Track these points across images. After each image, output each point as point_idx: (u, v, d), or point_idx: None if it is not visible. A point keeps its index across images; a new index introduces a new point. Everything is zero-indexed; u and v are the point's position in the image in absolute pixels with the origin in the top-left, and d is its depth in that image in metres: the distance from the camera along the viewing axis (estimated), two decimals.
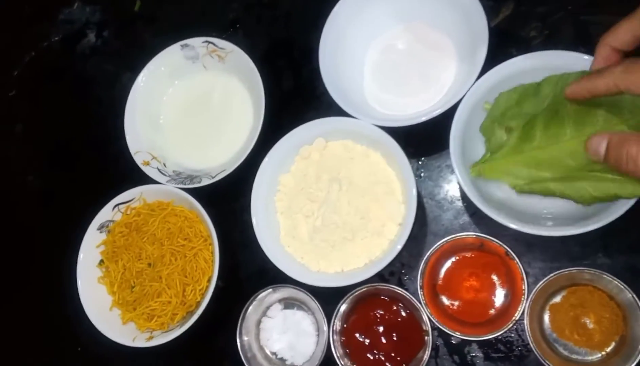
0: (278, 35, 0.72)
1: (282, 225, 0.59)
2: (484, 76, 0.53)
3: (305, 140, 0.60)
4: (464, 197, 0.60)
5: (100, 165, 0.73)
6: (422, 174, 0.62)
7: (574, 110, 0.47)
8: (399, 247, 0.53)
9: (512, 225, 0.50)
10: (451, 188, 0.60)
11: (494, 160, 0.51)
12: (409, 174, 0.54)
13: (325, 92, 0.67)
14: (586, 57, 0.50)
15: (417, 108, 0.60)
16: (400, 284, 0.60)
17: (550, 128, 0.48)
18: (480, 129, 0.54)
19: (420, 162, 0.62)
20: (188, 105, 0.69)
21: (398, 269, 0.60)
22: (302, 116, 0.68)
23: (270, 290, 0.59)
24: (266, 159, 0.59)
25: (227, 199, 0.66)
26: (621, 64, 0.42)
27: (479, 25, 0.54)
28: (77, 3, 0.83)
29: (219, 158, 0.66)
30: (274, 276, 0.61)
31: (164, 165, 0.66)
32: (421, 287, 0.55)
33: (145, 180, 0.66)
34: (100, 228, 0.65)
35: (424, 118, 0.54)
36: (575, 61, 0.50)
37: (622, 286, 0.51)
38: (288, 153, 0.60)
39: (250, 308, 0.60)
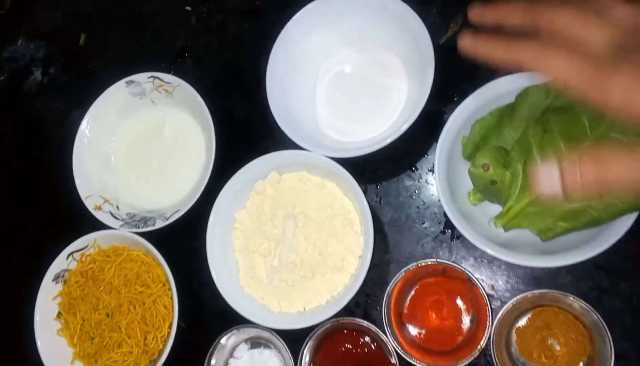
0: (228, 62, 0.70)
1: (240, 265, 0.57)
2: (461, 104, 0.51)
3: (259, 175, 0.58)
4: (425, 220, 0.58)
5: (52, 210, 0.71)
6: (381, 200, 0.60)
7: (558, 122, 0.45)
8: (360, 281, 0.52)
9: (502, 256, 0.48)
10: (411, 212, 0.59)
11: (512, 211, 0.48)
12: (364, 205, 0.53)
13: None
14: None
15: (372, 133, 0.58)
16: (367, 315, 0.58)
17: (545, 150, 0.45)
18: (465, 155, 0.52)
19: (378, 187, 0.60)
20: (138, 143, 0.67)
21: (363, 300, 0.58)
22: (257, 145, 0.66)
23: (234, 331, 0.57)
24: (220, 196, 0.57)
25: (184, 238, 0.64)
26: None
27: (426, 46, 0.53)
28: (21, 40, 0.80)
29: (173, 196, 0.64)
30: (238, 316, 0.60)
31: (117, 207, 0.64)
32: (386, 318, 0.54)
33: (99, 224, 0.64)
34: (56, 278, 0.63)
35: (377, 147, 0.53)
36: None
37: (586, 307, 0.50)
38: (243, 189, 0.58)
39: (216, 351, 0.59)
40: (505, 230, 0.49)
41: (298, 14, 0.59)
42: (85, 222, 0.65)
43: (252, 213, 0.58)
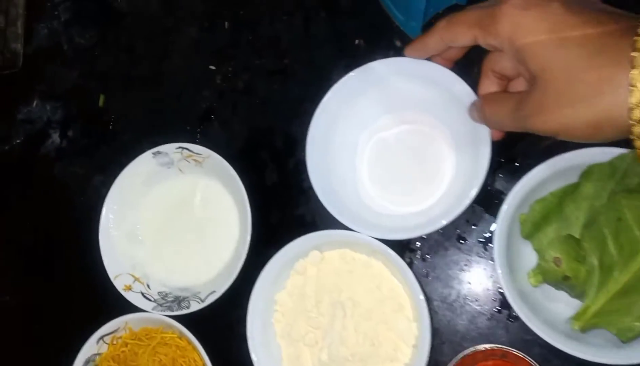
0: (256, 124, 0.67)
1: (284, 352, 0.54)
2: (522, 180, 0.49)
3: (300, 254, 0.55)
4: (478, 297, 0.55)
5: (77, 288, 0.67)
6: (429, 274, 0.57)
7: (632, 207, 0.42)
8: None
9: (571, 351, 0.45)
10: (462, 288, 0.56)
11: (590, 311, 0.45)
12: (417, 291, 0.50)
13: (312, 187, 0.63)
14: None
15: (418, 206, 0.55)
16: None
17: (621, 241, 0.43)
18: (523, 235, 0.49)
19: (425, 260, 0.57)
20: (167, 214, 0.64)
21: None
22: (292, 213, 0.63)
23: None
24: (260, 280, 0.54)
25: (219, 319, 0.60)
26: (444, 19, 0.46)
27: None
28: (36, 100, 0.77)
29: (206, 272, 0.61)
30: None
31: (148, 286, 0.61)
32: None
33: (130, 304, 0.60)
34: (86, 363, 0.59)
35: (429, 229, 0.50)
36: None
37: None
38: (282, 268, 0.55)
39: None
40: (583, 332, 0.45)
41: (339, 83, 0.56)
42: (115, 303, 0.61)
43: (294, 295, 0.54)
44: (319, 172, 0.55)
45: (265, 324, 0.54)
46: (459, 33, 0.44)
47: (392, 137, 0.58)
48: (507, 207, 0.48)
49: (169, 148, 0.62)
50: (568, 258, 0.44)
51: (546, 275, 0.45)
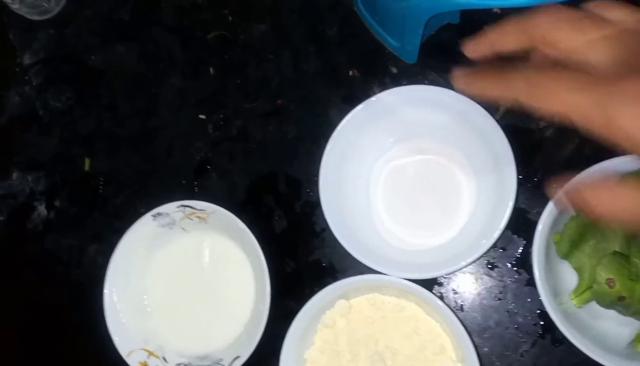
0: (257, 170, 0.64)
1: None
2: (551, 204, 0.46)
3: (326, 305, 0.52)
4: (517, 325, 0.52)
5: None
6: (463, 307, 0.54)
7: None
8: None
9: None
10: (500, 317, 0.53)
11: None
12: (460, 330, 0.47)
13: (327, 228, 0.60)
14: None
15: (440, 238, 0.53)
16: None
17: None
18: (560, 254, 0.47)
19: (457, 293, 0.55)
20: (175, 280, 0.60)
21: None
22: (306, 259, 0.60)
23: None
24: (287, 340, 0.50)
25: None
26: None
27: (498, 144, 0.48)
28: (16, 173, 0.72)
29: (225, 336, 0.57)
30: None
31: (164, 359, 0.56)
32: None
33: None
34: None
35: (463, 264, 0.47)
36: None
37: None
38: (309, 323, 0.52)
39: None
40: None
41: (347, 118, 0.53)
42: None
43: (325, 351, 0.51)
44: (335, 213, 0.52)
45: None
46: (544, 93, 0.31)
47: (406, 167, 0.55)
48: (542, 227, 0.46)
49: (170, 208, 0.58)
50: (621, 278, 0.41)
51: (599, 297, 0.43)
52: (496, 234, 0.48)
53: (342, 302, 0.51)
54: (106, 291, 0.57)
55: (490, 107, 0.56)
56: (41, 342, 0.65)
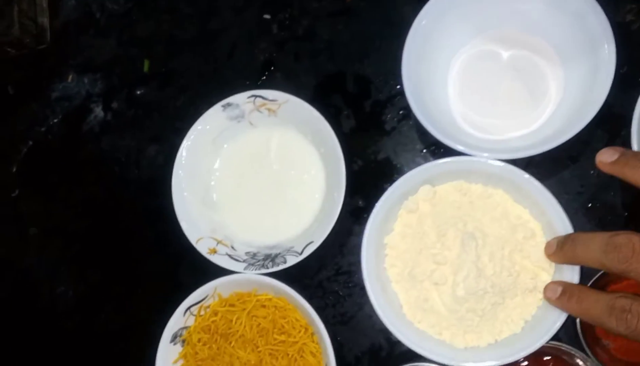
0: (324, 71, 0.62)
1: (402, 297, 0.49)
2: None
3: (409, 192, 0.51)
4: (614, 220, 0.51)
5: (157, 261, 0.62)
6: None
7: None
8: None
9: None
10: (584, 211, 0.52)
11: None
12: (556, 209, 0.46)
13: (396, 127, 0.59)
14: None
15: (521, 130, 0.52)
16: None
17: None
18: None
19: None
20: (242, 172, 0.59)
21: None
22: (374, 157, 0.59)
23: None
24: (370, 223, 0.49)
25: (313, 273, 0.57)
26: None
27: (594, 23, 0.46)
28: (72, 75, 0.71)
29: (295, 227, 0.56)
30: (391, 356, 0.54)
31: (233, 248, 0.56)
32: (582, 334, 0.47)
33: (214, 270, 0.56)
34: (173, 339, 0.54)
35: (554, 143, 0.46)
36: None
37: None
38: (390, 210, 0.51)
39: None
40: None
41: (427, 7, 0.52)
42: (197, 270, 0.57)
43: (407, 236, 0.50)
44: (418, 99, 0.51)
45: (378, 271, 0.50)
46: None
47: (488, 57, 0.54)
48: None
49: (240, 98, 0.57)
50: None
51: None
52: (583, 123, 0.47)
53: (426, 187, 0.50)
54: (174, 180, 0.57)
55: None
56: (105, 240, 0.65)
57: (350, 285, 0.57)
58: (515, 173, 0.47)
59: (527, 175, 0.47)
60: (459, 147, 0.48)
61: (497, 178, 0.48)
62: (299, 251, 0.52)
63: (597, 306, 0.40)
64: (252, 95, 0.57)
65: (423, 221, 0.49)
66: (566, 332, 0.50)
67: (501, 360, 0.45)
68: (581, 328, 0.47)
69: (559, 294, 0.43)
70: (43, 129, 0.70)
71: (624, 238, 0.38)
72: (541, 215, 0.47)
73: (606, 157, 0.42)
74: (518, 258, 0.47)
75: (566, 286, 0.44)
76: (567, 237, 0.44)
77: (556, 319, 0.45)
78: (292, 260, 0.52)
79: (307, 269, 0.58)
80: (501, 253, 0.47)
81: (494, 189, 0.49)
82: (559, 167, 0.53)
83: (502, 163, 0.47)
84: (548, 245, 0.46)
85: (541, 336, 0.44)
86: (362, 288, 0.52)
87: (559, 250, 0.44)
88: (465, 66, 0.55)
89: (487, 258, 0.46)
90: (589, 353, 0.47)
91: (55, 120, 0.70)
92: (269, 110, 0.57)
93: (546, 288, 0.45)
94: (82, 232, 0.66)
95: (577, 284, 0.45)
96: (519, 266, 0.47)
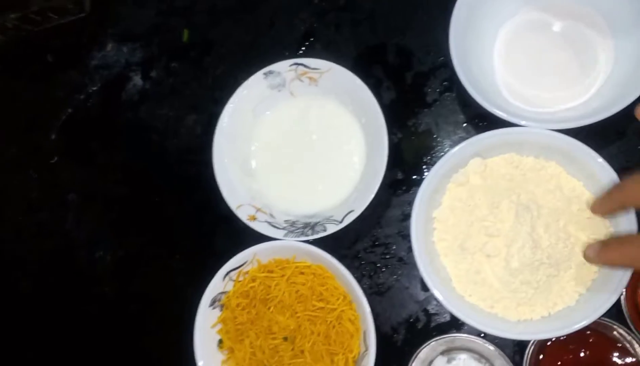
0: (365, 41, 0.62)
1: (451, 271, 0.49)
2: None
3: (458, 165, 0.50)
4: None
5: (184, 228, 0.63)
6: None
7: None
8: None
9: None
10: None
11: None
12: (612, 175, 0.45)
13: (438, 99, 0.59)
14: None
15: (573, 101, 0.51)
16: None
17: None
18: None
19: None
20: (281, 142, 0.59)
21: None
22: (415, 129, 0.59)
23: (449, 338, 0.50)
24: (419, 196, 0.49)
25: (350, 242, 0.57)
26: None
27: None
28: (111, 44, 0.72)
29: (334, 197, 0.56)
30: (428, 328, 0.54)
31: (272, 215, 0.56)
32: (627, 309, 0.47)
33: (249, 238, 0.56)
34: (212, 303, 0.55)
35: (604, 115, 0.45)
36: None
37: None
38: (439, 183, 0.50)
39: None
40: None
41: None
42: (233, 238, 0.58)
43: (457, 209, 0.50)
44: (466, 70, 0.50)
45: (427, 243, 0.50)
46: None
47: (537, 28, 0.53)
48: None
49: (282, 66, 0.57)
50: None
51: None
52: (633, 97, 0.46)
53: (476, 160, 0.49)
54: (215, 146, 0.57)
55: None
56: (141, 208, 0.66)
57: (387, 256, 0.58)
58: (572, 144, 0.46)
59: (584, 146, 0.46)
60: (512, 118, 0.47)
61: (550, 150, 0.48)
62: (339, 219, 0.53)
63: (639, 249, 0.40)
64: (294, 63, 0.57)
65: (474, 194, 0.49)
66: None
67: (554, 333, 0.45)
68: (625, 302, 0.47)
69: (598, 249, 0.43)
70: (82, 97, 0.71)
71: None
72: (596, 187, 0.47)
73: None
74: (573, 230, 0.46)
75: (604, 241, 0.43)
76: (611, 187, 0.44)
77: (611, 293, 0.44)
78: (331, 228, 0.53)
79: (344, 240, 0.58)
80: (556, 225, 0.46)
81: (547, 161, 0.48)
82: (605, 142, 0.53)
83: (560, 134, 0.46)
84: (592, 202, 0.46)
85: (595, 310, 0.44)
86: (399, 260, 0.52)
87: (606, 198, 0.44)
88: (511, 37, 0.54)
89: (542, 230, 0.46)
90: (633, 327, 0.46)
91: (94, 88, 0.71)
92: (310, 79, 0.57)
93: (586, 249, 0.44)
94: (120, 198, 0.67)
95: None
96: (574, 238, 0.46)
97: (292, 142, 0.59)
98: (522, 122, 0.48)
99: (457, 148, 0.48)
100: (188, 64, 0.68)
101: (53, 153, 0.71)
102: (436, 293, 0.47)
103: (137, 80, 0.70)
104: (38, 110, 0.72)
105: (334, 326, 0.52)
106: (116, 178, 0.68)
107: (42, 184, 0.70)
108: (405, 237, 0.57)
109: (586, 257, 0.44)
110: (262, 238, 0.55)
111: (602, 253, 0.42)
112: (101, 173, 0.68)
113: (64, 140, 0.71)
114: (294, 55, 0.64)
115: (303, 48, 0.64)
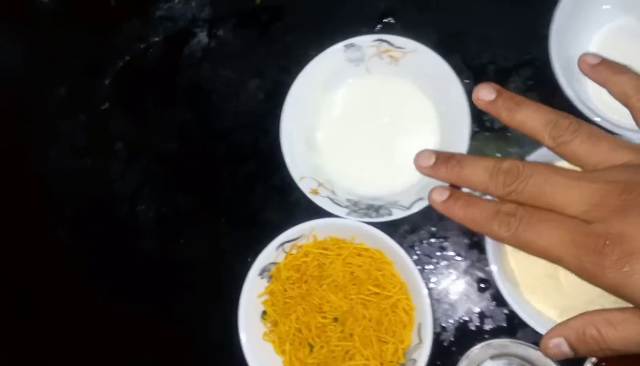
0: (450, 24, 0.60)
1: (519, 275, 0.47)
2: None
3: None
4: None
5: (234, 194, 0.61)
6: None
7: None
8: None
9: None
10: None
11: None
12: None
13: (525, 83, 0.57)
14: None
15: None
16: None
17: None
18: None
19: None
20: (350, 119, 0.57)
21: None
22: (491, 124, 0.57)
23: (505, 342, 0.49)
24: None
25: (405, 232, 0.56)
26: None
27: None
28: None
29: (401, 183, 0.54)
30: (480, 331, 0.53)
31: (333, 192, 0.54)
32: None
33: (305, 212, 0.55)
34: (262, 273, 0.53)
35: None
36: None
37: None
38: None
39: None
40: None
41: None
42: (287, 209, 0.56)
43: None
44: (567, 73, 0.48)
45: (498, 244, 0.48)
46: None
47: (633, 35, 0.51)
48: None
49: (365, 40, 0.55)
50: None
51: None
52: None
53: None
54: (285, 114, 0.55)
55: None
56: (191, 167, 0.64)
57: (443, 252, 0.56)
58: None
59: None
60: (615, 129, 0.46)
61: None
62: (407, 206, 0.51)
63: (483, 212, 0.39)
64: (379, 39, 0.54)
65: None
66: None
67: None
68: None
69: (445, 197, 0.41)
70: (142, 46, 0.69)
71: (510, 163, 0.39)
72: None
73: (483, 94, 0.42)
74: None
75: (453, 192, 0.41)
76: (451, 156, 0.42)
77: None
78: (397, 213, 0.51)
79: (399, 228, 0.56)
80: None
81: None
82: None
83: None
84: (422, 155, 0.43)
85: None
86: (457, 256, 0.50)
87: (441, 166, 0.41)
88: (606, 43, 0.52)
89: None
90: None
91: (157, 39, 0.69)
92: (391, 57, 0.55)
93: (431, 192, 0.42)
94: (170, 155, 0.65)
95: (466, 192, 0.42)
96: None
97: (361, 120, 0.57)
98: (617, 131, 0.46)
99: (534, 154, 0.46)
100: (257, 28, 0.66)
101: (105, 99, 0.69)
102: (505, 295, 0.45)
103: (203, 37, 0.68)
104: (93, 54, 0.70)
105: (387, 314, 0.50)
106: (167, 134, 0.66)
107: (90, 129, 0.68)
108: (466, 233, 0.56)
109: (431, 202, 0.42)
110: (315, 213, 0.53)
111: (445, 206, 0.41)
112: (152, 127, 0.66)
113: (117, 87, 0.69)
114: (370, 32, 0.61)
115: (380, 25, 0.62)
